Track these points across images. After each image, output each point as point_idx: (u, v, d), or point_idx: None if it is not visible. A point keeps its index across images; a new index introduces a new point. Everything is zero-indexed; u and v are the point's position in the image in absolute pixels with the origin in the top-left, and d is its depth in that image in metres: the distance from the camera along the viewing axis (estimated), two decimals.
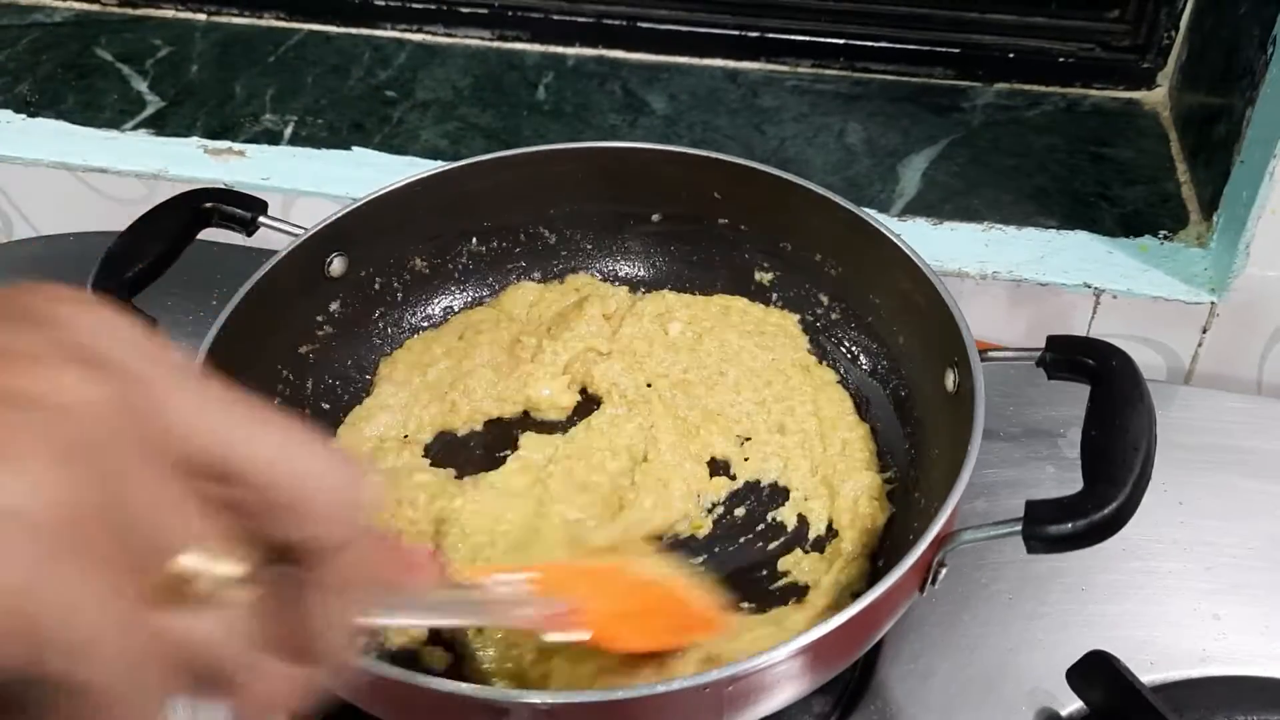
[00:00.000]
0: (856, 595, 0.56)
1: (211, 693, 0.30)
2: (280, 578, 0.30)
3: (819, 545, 0.70)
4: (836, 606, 0.64)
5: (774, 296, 0.84)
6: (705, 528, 0.71)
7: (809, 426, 0.75)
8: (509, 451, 0.75)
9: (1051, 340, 0.66)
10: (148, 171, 1.01)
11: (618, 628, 0.54)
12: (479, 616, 0.47)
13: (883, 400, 0.77)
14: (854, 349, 0.80)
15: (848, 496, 0.70)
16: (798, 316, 0.82)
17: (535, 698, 0.50)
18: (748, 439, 0.76)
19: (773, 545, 0.70)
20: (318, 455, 0.30)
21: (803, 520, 0.71)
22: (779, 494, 0.73)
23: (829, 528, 0.70)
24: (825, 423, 0.75)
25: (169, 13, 1.23)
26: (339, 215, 0.75)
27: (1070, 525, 0.55)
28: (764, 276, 0.84)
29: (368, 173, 1.00)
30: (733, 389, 0.78)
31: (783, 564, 0.69)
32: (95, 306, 0.29)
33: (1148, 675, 0.65)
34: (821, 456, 0.73)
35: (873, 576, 0.66)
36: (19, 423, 0.25)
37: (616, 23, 1.13)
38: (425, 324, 0.84)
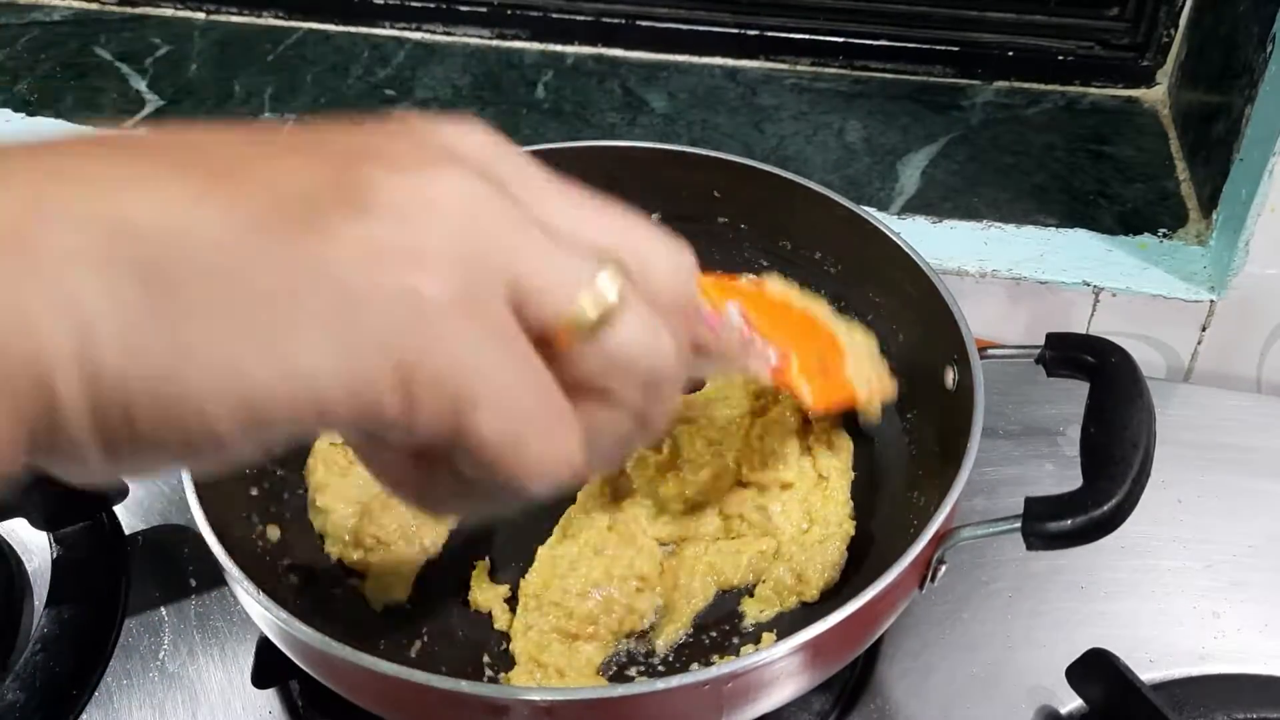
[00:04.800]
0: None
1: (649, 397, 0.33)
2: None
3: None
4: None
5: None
6: None
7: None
8: None
9: (1050, 338, 0.66)
10: None
11: (812, 380, 0.55)
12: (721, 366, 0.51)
13: None
14: None
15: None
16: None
17: (535, 695, 0.50)
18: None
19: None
20: (652, 229, 0.35)
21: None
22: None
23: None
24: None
25: (168, 11, 1.23)
26: None
27: (1069, 522, 0.55)
28: (763, 275, 0.84)
29: None
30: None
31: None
32: (456, 119, 0.33)
33: (1147, 673, 0.65)
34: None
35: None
36: (415, 224, 0.29)
37: (615, 21, 1.13)
38: None
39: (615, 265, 0.32)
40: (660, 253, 0.35)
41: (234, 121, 0.30)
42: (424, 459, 0.32)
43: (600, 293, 0.31)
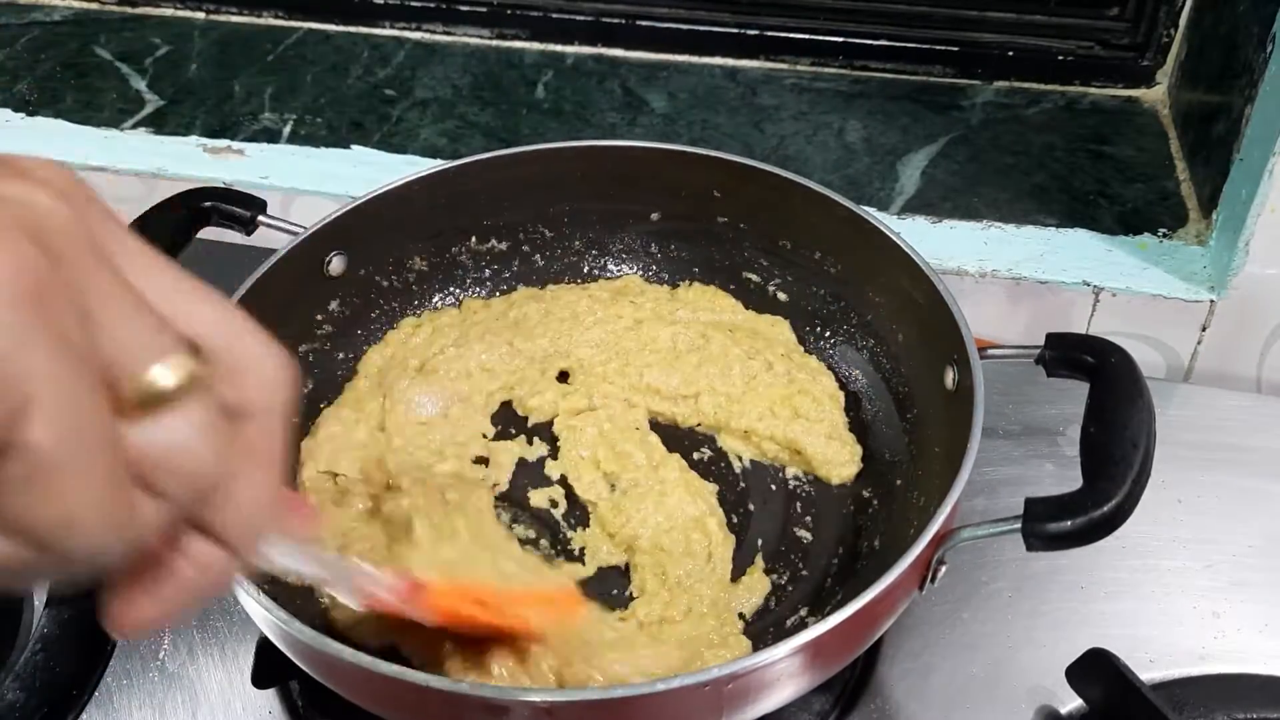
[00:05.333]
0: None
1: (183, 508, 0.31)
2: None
3: None
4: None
5: (771, 292, 0.84)
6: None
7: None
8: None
9: (1050, 338, 0.66)
10: (147, 170, 1.01)
11: (460, 612, 0.55)
12: (337, 582, 0.48)
13: (883, 398, 0.77)
14: (854, 347, 0.80)
15: None
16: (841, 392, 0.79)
17: (535, 696, 0.50)
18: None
19: None
20: (255, 332, 0.33)
21: None
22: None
23: None
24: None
25: (168, 11, 1.23)
26: (338, 214, 0.75)
27: (1069, 523, 0.55)
28: (763, 275, 0.84)
29: (367, 171, 1.00)
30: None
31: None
32: (48, 162, 0.30)
33: (1147, 673, 0.65)
34: None
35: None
36: None
37: (615, 21, 1.13)
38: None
39: (192, 354, 0.30)
40: (261, 361, 0.33)
41: None
42: None
43: (167, 373, 0.29)
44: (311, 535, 0.42)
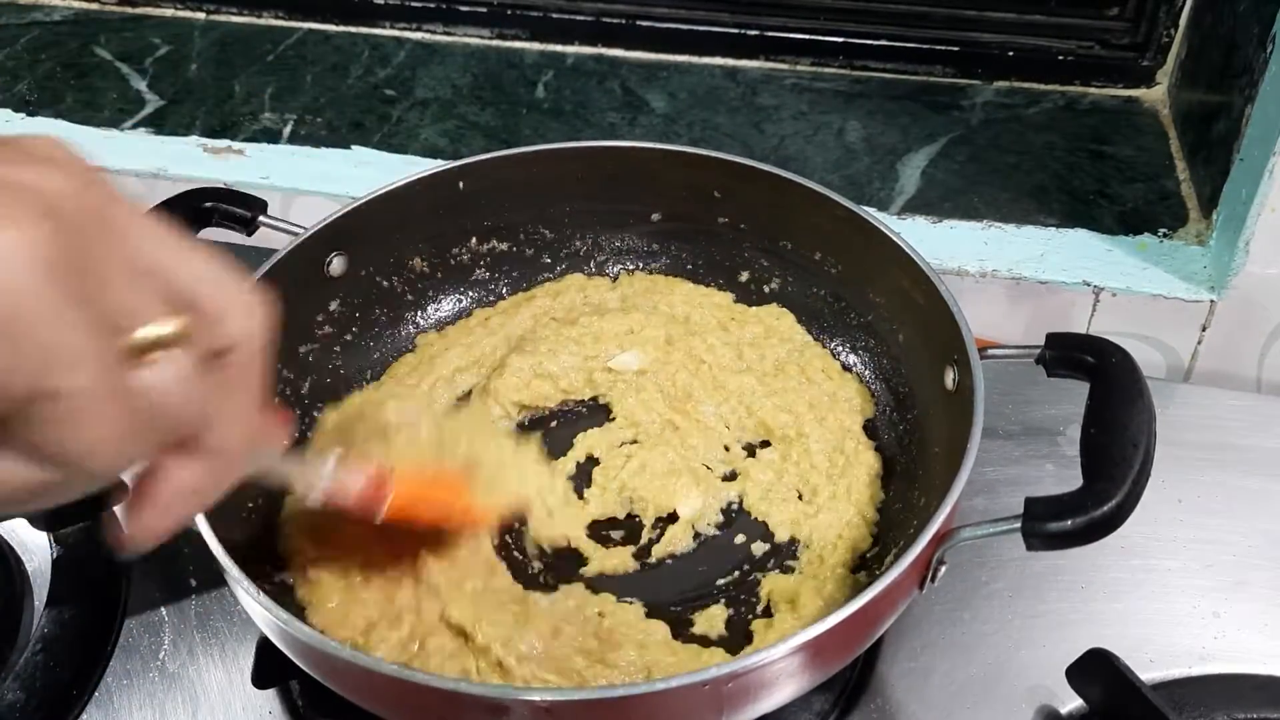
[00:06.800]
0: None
1: (169, 444, 0.38)
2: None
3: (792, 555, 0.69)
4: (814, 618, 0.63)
5: (769, 292, 0.84)
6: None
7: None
8: None
9: (1051, 338, 0.66)
10: (147, 171, 1.01)
11: (410, 505, 0.58)
12: (305, 477, 0.54)
13: (883, 398, 0.77)
14: (853, 347, 0.80)
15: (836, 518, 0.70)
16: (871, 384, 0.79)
17: (535, 695, 0.50)
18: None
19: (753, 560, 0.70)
20: (237, 280, 0.39)
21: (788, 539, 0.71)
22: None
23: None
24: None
25: (168, 11, 1.23)
26: (338, 214, 0.75)
27: (1069, 523, 0.55)
28: (763, 275, 0.84)
29: (367, 171, 1.00)
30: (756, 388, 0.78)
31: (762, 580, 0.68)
32: (53, 141, 0.36)
33: (1147, 673, 0.65)
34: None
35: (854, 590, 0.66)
36: (16, 191, 0.32)
37: (616, 21, 1.13)
38: (425, 323, 0.84)
39: (181, 312, 0.36)
40: (239, 303, 0.38)
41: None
42: None
43: (158, 329, 0.35)
44: (287, 439, 0.49)
